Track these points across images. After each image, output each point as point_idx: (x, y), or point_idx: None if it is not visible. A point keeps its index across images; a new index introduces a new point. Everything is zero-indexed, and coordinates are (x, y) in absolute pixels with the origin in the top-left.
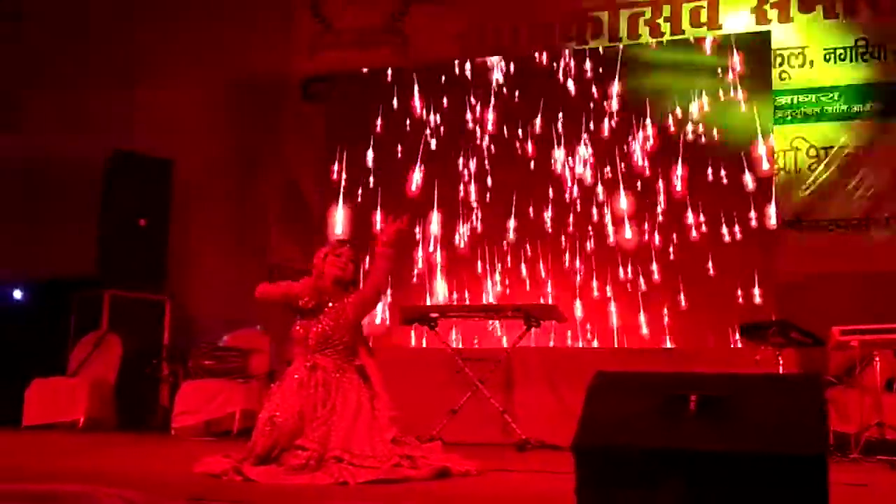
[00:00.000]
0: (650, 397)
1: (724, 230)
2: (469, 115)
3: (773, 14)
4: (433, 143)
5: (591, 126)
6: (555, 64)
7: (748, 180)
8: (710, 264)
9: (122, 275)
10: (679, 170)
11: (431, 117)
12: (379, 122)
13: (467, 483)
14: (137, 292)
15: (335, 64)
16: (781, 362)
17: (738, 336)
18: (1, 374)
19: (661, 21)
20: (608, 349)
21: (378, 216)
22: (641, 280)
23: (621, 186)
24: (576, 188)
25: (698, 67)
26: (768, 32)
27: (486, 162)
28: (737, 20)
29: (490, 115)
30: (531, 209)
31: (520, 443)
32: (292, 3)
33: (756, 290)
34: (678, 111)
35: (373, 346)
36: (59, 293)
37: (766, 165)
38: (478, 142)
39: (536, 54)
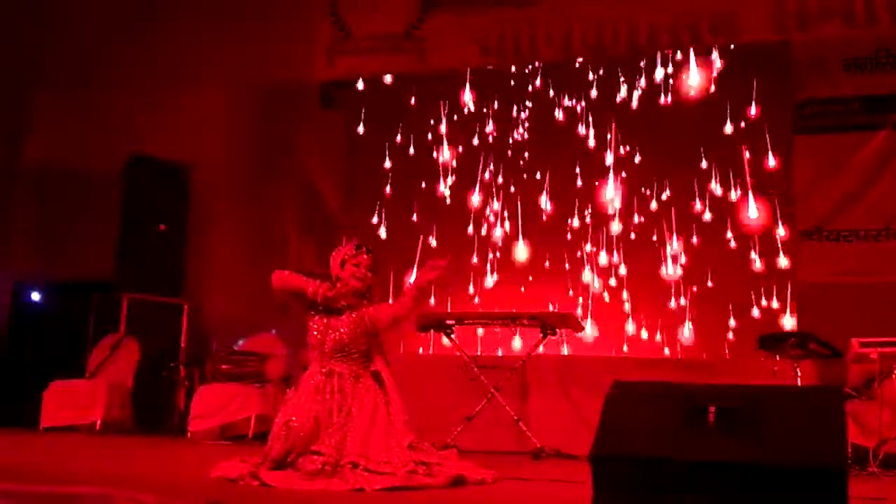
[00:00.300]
0: (668, 408)
1: (744, 240)
2: (488, 123)
3: (792, 23)
4: (451, 151)
5: (610, 135)
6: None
7: (768, 190)
8: (728, 274)
9: (141, 278)
10: (698, 179)
11: (449, 124)
12: (397, 128)
13: (483, 491)
14: (155, 296)
15: (354, 71)
16: (800, 374)
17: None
18: (20, 376)
19: (680, 29)
20: (624, 358)
21: (382, 220)
22: (659, 290)
23: (635, 196)
24: (594, 196)
25: (718, 77)
26: (788, 42)
27: (500, 169)
28: (757, 29)
29: (509, 123)
30: (551, 217)
31: (535, 451)
32: (313, 10)
33: (775, 301)
34: (700, 120)
35: (388, 351)
36: (78, 296)
37: (786, 175)
38: (496, 149)
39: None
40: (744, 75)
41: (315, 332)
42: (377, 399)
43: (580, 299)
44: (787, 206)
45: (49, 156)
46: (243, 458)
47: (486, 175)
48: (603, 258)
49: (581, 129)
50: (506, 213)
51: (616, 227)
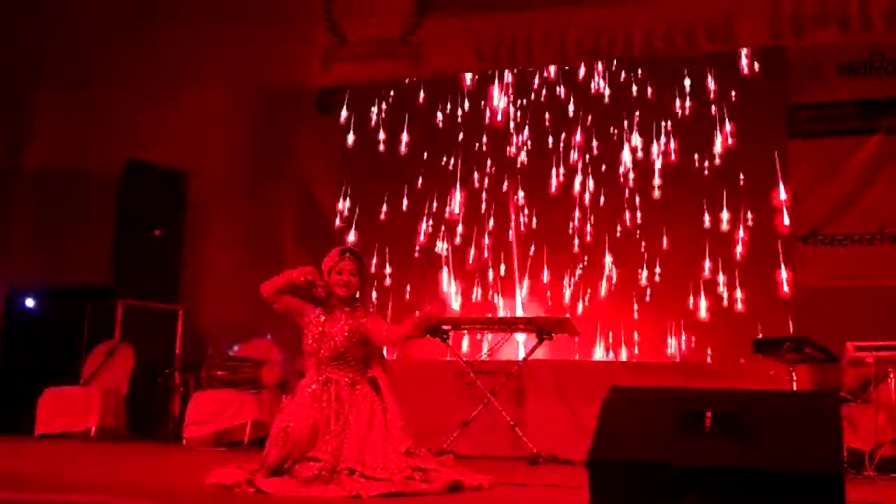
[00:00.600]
0: (665, 413)
1: (739, 244)
2: (484, 127)
3: (788, 29)
4: (448, 155)
5: (605, 140)
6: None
7: (763, 194)
8: (723, 278)
9: (136, 284)
10: (692, 183)
11: (446, 129)
12: (394, 133)
13: (480, 497)
14: (151, 302)
15: (350, 76)
16: (795, 378)
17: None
18: (14, 383)
19: (676, 35)
20: (620, 363)
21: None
22: (654, 294)
23: (633, 199)
24: (589, 201)
25: (713, 81)
26: (783, 47)
27: (495, 173)
28: (752, 34)
29: (505, 128)
30: (545, 222)
31: (531, 456)
32: (308, 16)
33: (770, 304)
34: (694, 125)
35: (385, 356)
36: (73, 302)
37: (780, 180)
38: (492, 153)
39: (553, 67)
40: (739, 80)
41: (310, 341)
42: (374, 406)
43: (581, 303)
44: (783, 210)
45: (47, 159)
46: (239, 465)
47: (486, 179)
48: (598, 262)
49: (576, 134)
50: (501, 213)
51: (611, 230)
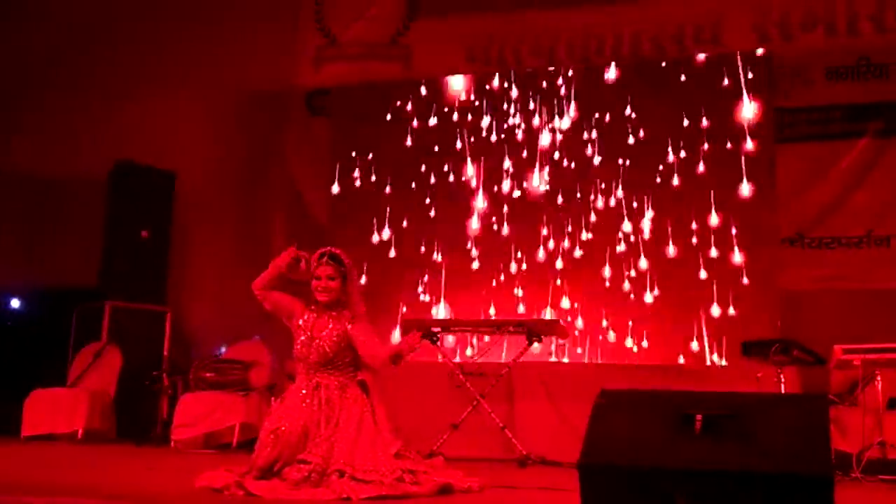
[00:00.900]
0: (656, 416)
1: (727, 247)
2: (473, 130)
3: (775, 33)
4: (436, 157)
5: (594, 144)
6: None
7: (750, 197)
8: (712, 280)
9: (124, 286)
10: (681, 187)
11: (434, 131)
12: (384, 134)
13: (470, 500)
14: (138, 304)
15: (340, 77)
16: (783, 380)
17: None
18: (1, 385)
19: (664, 39)
20: (609, 365)
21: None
22: (644, 296)
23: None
24: (578, 203)
25: (701, 85)
26: (771, 51)
27: (482, 175)
28: (740, 38)
29: (495, 130)
30: (534, 225)
31: (521, 458)
32: (297, 16)
33: (757, 307)
34: (682, 129)
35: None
36: (60, 304)
37: (768, 183)
38: (480, 156)
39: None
40: (727, 84)
41: (299, 346)
42: (364, 408)
43: (570, 306)
44: (770, 214)
45: (34, 160)
46: (228, 468)
47: (474, 180)
48: (586, 266)
49: (564, 137)
50: (491, 215)
51: (600, 233)
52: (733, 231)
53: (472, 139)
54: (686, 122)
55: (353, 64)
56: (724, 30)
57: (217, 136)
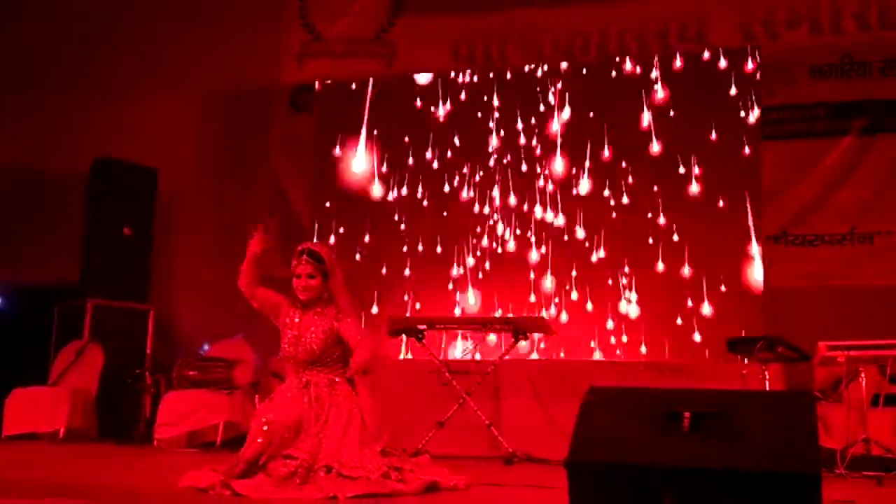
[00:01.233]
0: (644, 413)
1: (711, 244)
2: (459, 127)
3: (760, 31)
4: (422, 154)
5: (578, 141)
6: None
7: (734, 195)
8: (696, 278)
9: (105, 284)
10: (666, 185)
11: (420, 127)
12: (368, 131)
13: (457, 498)
14: (120, 301)
15: (324, 74)
16: (768, 377)
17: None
18: None
19: (649, 37)
20: (594, 362)
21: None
22: (629, 293)
23: (606, 200)
24: (562, 201)
25: (686, 83)
26: (755, 48)
27: (468, 171)
28: (724, 36)
29: (480, 127)
30: (520, 221)
31: (507, 456)
32: (282, 13)
33: (741, 304)
34: (667, 127)
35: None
36: (41, 301)
37: (752, 180)
38: (469, 153)
39: (526, 67)
40: (711, 81)
41: (286, 345)
42: (352, 405)
43: (556, 299)
44: (754, 211)
45: (13, 157)
46: (212, 468)
47: (456, 180)
48: (570, 262)
49: (549, 134)
50: (476, 212)
51: (583, 230)
52: (718, 228)
53: (460, 136)
54: (672, 120)
55: (337, 60)
56: (709, 27)
57: (200, 133)
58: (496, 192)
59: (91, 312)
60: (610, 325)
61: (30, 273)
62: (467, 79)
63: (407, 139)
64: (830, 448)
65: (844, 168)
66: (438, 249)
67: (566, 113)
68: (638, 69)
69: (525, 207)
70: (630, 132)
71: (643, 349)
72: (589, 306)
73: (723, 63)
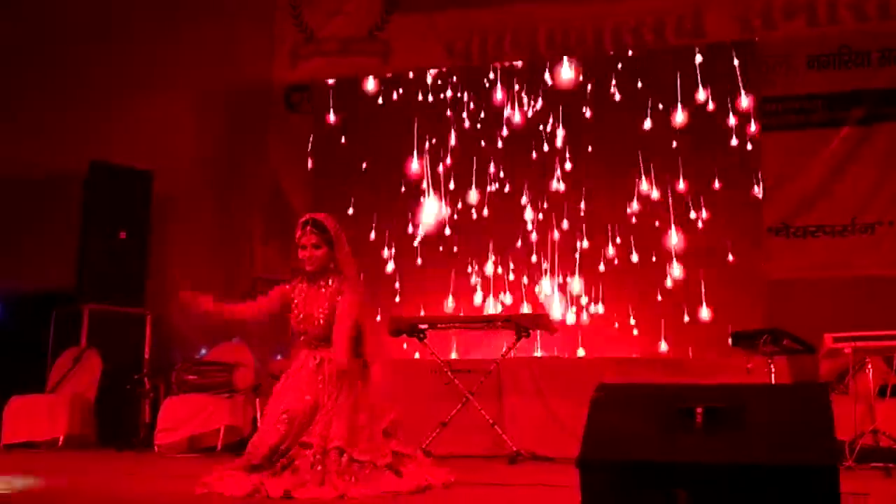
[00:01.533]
0: (655, 410)
1: (713, 238)
2: (456, 124)
3: (757, 22)
4: (418, 152)
5: (577, 135)
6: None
7: (736, 188)
8: (698, 271)
9: (102, 289)
10: (666, 178)
11: (416, 125)
12: (364, 130)
13: (472, 497)
14: (117, 306)
15: (318, 73)
16: (773, 370)
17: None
18: None
19: (645, 30)
20: (598, 359)
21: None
22: (630, 289)
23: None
24: (564, 197)
25: (684, 77)
26: (753, 41)
27: (471, 169)
28: (722, 28)
29: (478, 124)
30: (520, 218)
31: (511, 455)
32: (276, 13)
33: (744, 297)
34: (666, 120)
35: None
36: (38, 308)
37: (753, 172)
38: (467, 150)
39: (520, 63)
40: (710, 74)
41: (295, 323)
42: (362, 384)
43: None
44: (755, 203)
45: (7, 161)
46: (226, 467)
47: (454, 178)
48: (571, 259)
49: (550, 130)
50: (475, 210)
51: (586, 226)
52: (720, 221)
53: (454, 132)
54: (672, 112)
55: (331, 59)
56: (706, 20)
57: (194, 135)
58: (499, 189)
59: (88, 318)
60: (612, 321)
61: (25, 279)
62: (464, 74)
63: (404, 136)
64: (839, 440)
65: (844, 158)
66: (440, 248)
67: (567, 108)
68: (633, 63)
69: (528, 203)
70: (628, 127)
71: (645, 345)
72: (588, 302)
73: (721, 55)
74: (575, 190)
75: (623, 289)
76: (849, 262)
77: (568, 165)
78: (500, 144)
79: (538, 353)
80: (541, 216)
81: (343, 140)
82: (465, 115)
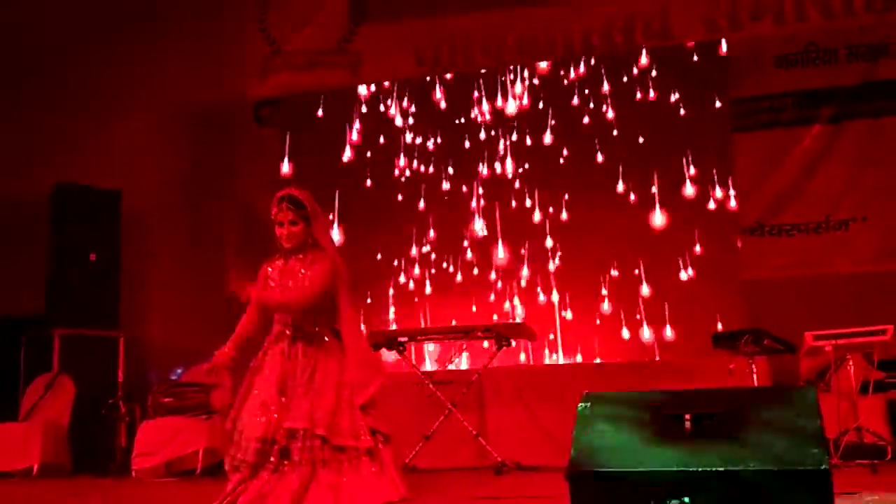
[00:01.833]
0: (642, 418)
1: (688, 240)
2: (427, 135)
3: (724, 22)
4: (388, 164)
5: (551, 141)
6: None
7: (710, 189)
8: (674, 274)
9: (73, 312)
10: (639, 181)
11: (386, 137)
12: (335, 142)
13: None
14: (89, 329)
15: (287, 86)
16: (755, 370)
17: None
18: None
19: (615, 33)
20: (579, 365)
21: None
22: (604, 293)
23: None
24: (536, 202)
25: (653, 78)
26: (720, 41)
27: (444, 181)
28: (689, 29)
29: (450, 135)
30: (496, 225)
31: (496, 466)
32: (241, 29)
33: (720, 298)
34: (637, 124)
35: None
36: (7, 334)
37: (725, 173)
38: (438, 160)
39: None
40: (679, 76)
41: (274, 292)
42: (340, 362)
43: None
44: (729, 204)
45: None
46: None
47: (424, 188)
48: (547, 263)
49: (515, 136)
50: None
51: (561, 228)
52: (695, 222)
53: (431, 141)
54: (643, 116)
55: (300, 72)
56: (673, 21)
57: (162, 152)
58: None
59: (59, 342)
60: (591, 327)
61: None
62: (437, 82)
63: (378, 147)
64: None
65: (816, 156)
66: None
67: (538, 111)
68: (603, 66)
69: (499, 209)
70: (601, 130)
71: (624, 349)
72: (565, 308)
73: (690, 56)
74: (552, 195)
75: (599, 293)
76: (824, 260)
77: (542, 168)
78: (474, 151)
79: (521, 361)
80: (514, 218)
81: (312, 153)
82: (433, 124)
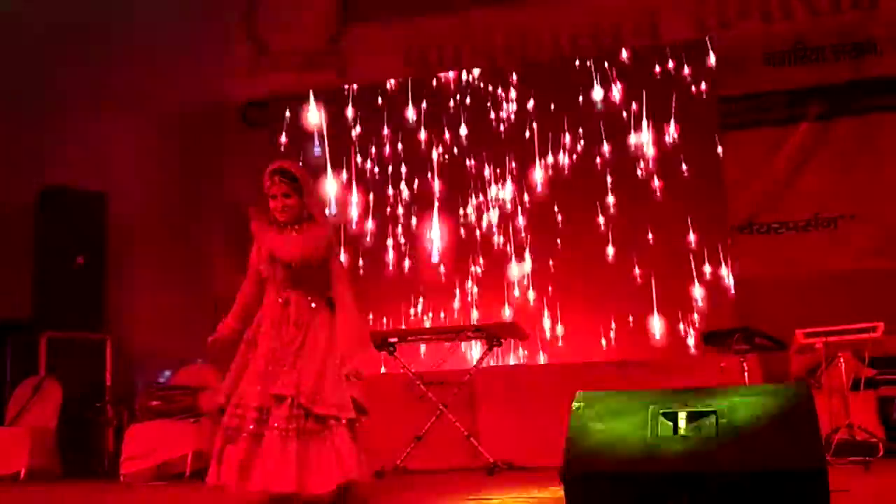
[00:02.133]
0: (636, 417)
1: (679, 238)
2: (416, 135)
3: (713, 22)
4: (378, 163)
5: (539, 141)
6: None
7: (697, 187)
8: (665, 273)
9: (59, 315)
10: (629, 180)
11: (375, 137)
12: (323, 143)
13: None
14: (76, 333)
15: (274, 87)
16: (746, 368)
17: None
18: None
19: (603, 34)
20: (570, 364)
21: None
22: (596, 292)
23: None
24: (526, 202)
25: (641, 78)
26: (708, 40)
27: (435, 180)
28: (678, 29)
29: (438, 134)
30: (484, 226)
31: (488, 466)
32: (227, 27)
33: (711, 296)
34: (626, 123)
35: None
36: None
37: (714, 171)
38: (424, 161)
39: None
40: (668, 75)
41: (263, 268)
42: (331, 332)
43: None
44: (719, 203)
45: None
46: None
47: (416, 185)
48: (536, 264)
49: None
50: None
51: (549, 229)
52: (685, 222)
53: (424, 144)
54: (631, 115)
55: (288, 73)
56: (662, 21)
57: (148, 154)
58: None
59: (46, 346)
60: (582, 326)
61: None
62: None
63: (371, 148)
64: None
65: (803, 154)
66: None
67: (525, 112)
68: (592, 66)
69: (487, 211)
70: (589, 130)
71: (616, 348)
72: (557, 308)
73: (679, 56)
74: (544, 196)
75: (591, 293)
76: (813, 258)
77: (534, 171)
78: (465, 153)
79: (512, 360)
80: (511, 223)
81: (301, 155)
82: (422, 124)
